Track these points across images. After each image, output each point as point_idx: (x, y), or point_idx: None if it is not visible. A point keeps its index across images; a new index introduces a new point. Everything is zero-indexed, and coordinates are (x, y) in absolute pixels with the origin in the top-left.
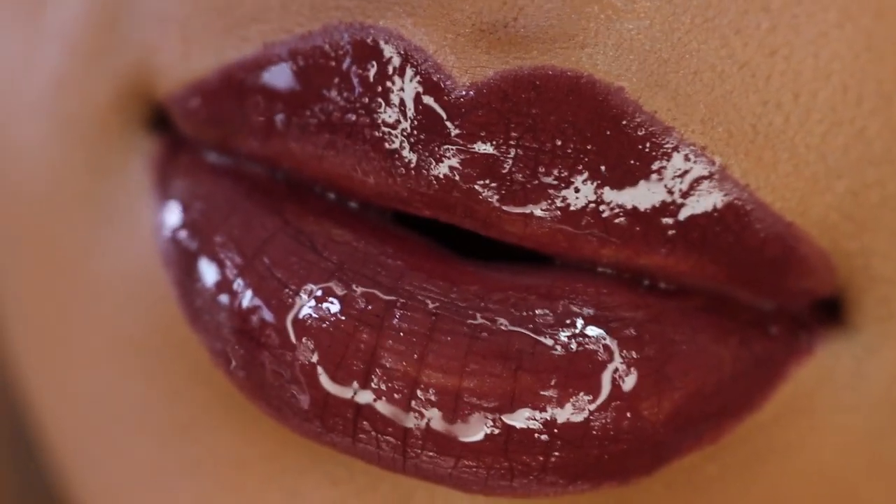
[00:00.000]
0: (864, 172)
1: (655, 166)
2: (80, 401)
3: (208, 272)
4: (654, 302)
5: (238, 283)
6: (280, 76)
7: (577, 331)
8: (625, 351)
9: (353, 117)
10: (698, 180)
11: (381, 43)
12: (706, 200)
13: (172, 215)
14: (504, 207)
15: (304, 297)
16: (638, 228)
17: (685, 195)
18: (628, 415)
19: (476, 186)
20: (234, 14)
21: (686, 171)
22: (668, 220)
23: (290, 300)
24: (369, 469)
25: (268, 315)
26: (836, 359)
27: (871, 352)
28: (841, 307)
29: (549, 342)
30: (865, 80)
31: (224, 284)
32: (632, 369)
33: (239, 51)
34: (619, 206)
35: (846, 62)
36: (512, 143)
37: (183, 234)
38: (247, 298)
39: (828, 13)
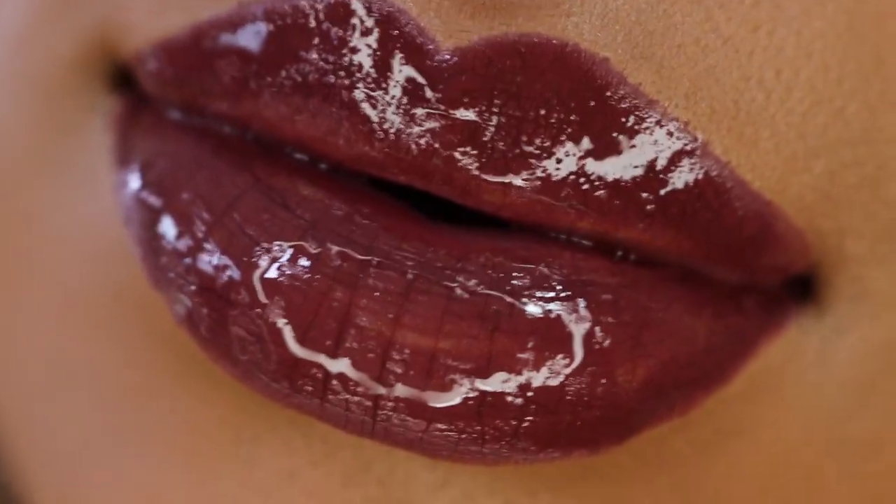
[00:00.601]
0: (841, 153)
1: (638, 140)
2: (29, 364)
3: (173, 230)
4: (630, 270)
5: (206, 241)
6: (254, 36)
7: (553, 294)
8: (601, 316)
9: (331, 79)
10: (680, 155)
11: (361, 3)
12: (686, 176)
13: (134, 172)
14: (483, 176)
15: (276, 254)
16: (617, 202)
17: (666, 170)
18: (603, 380)
19: (456, 153)
20: None
21: (668, 146)
22: (648, 195)
23: (261, 257)
24: (328, 436)
25: (236, 273)
26: (805, 336)
27: (840, 331)
28: (813, 285)
29: (527, 305)
30: (846, 59)
31: (191, 241)
32: (608, 334)
33: (212, 10)
34: (600, 179)
35: (828, 41)
36: (495, 110)
37: (146, 191)
38: (215, 256)
39: None
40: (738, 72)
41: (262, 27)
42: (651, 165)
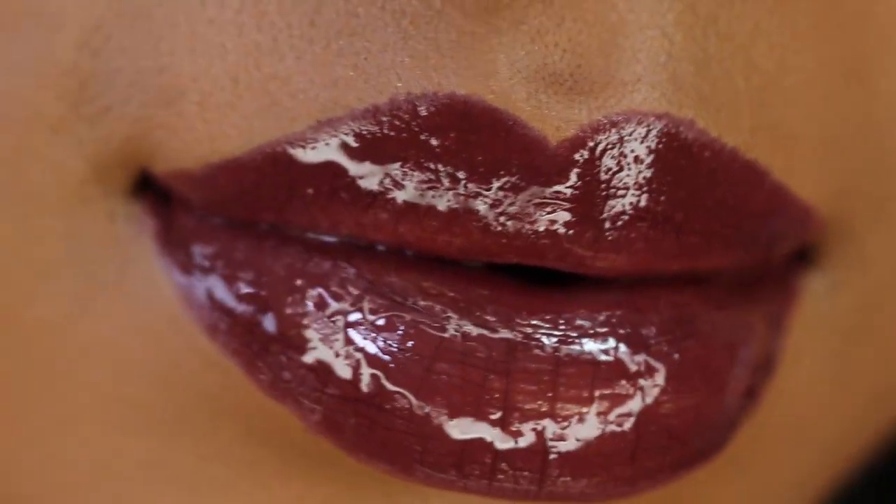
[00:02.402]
0: (850, 141)
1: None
2: (78, 463)
3: (290, 341)
4: (711, 294)
5: (341, 353)
6: (346, 152)
7: (670, 337)
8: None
9: (439, 186)
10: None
11: (463, 109)
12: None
13: (218, 283)
14: (599, 254)
15: (420, 353)
16: (709, 242)
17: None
18: (721, 404)
19: (572, 234)
20: (272, 92)
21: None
22: (729, 232)
23: (408, 361)
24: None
25: (385, 381)
26: (811, 296)
27: (836, 286)
28: (816, 252)
29: (666, 352)
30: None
31: (318, 354)
32: (740, 369)
33: (285, 130)
34: (701, 233)
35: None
36: (607, 192)
37: (243, 301)
38: (352, 364)
39: None
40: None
41: (351, 141)
42: (744, 216)
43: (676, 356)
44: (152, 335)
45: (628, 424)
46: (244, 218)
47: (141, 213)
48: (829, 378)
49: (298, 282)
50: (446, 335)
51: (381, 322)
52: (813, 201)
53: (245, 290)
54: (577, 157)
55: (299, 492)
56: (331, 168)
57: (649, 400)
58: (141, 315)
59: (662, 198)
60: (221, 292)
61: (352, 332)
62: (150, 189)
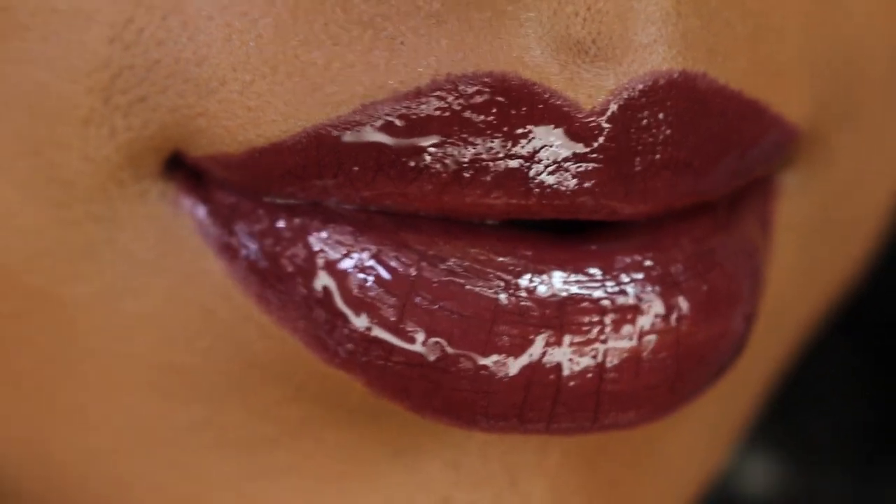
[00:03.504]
0: (826, 62)
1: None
2: (119, 428)
3: (357, 316)
4: (720, 220)
5: (402, 322)
6: (390, 132)
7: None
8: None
9: (483, 155)
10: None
11: (502, 86)
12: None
13: (268, 260)
14: (630, 204)
15: (480, 317)
16: (719, 184)
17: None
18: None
19: (608, 189)
20: (313, 78)
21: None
22: (737, 165)
23: (469, 326)
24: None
25: (450, 347)
26: (786, 194)
27: (808, 178)
28: (793, 155)
29: (694, 287)
30: None
31: (388, 325)
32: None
33: (330, 114)
34: (714, 172)
35: None
36: (636, 147)
37: (299, 281)
38: (415, 336)
39: None
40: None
41: (395, 124)
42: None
43: (704, 287)
44: (199, 308)
45: (669, 357)
46: (285, 195)
47: (174, 192)
48: (800, 271)
49: (353, 256)
50: (501, 298)
51: (437, 290)
52: (799, 120)
53: (299, 266)
54: (607, 121)
55: (350, 439)
56: (376, 147)
57: (684, 330)
58: (185, 289)
59: (682, 147)
60: (273, 268)
61: (411, 302)
62: (179, 169)
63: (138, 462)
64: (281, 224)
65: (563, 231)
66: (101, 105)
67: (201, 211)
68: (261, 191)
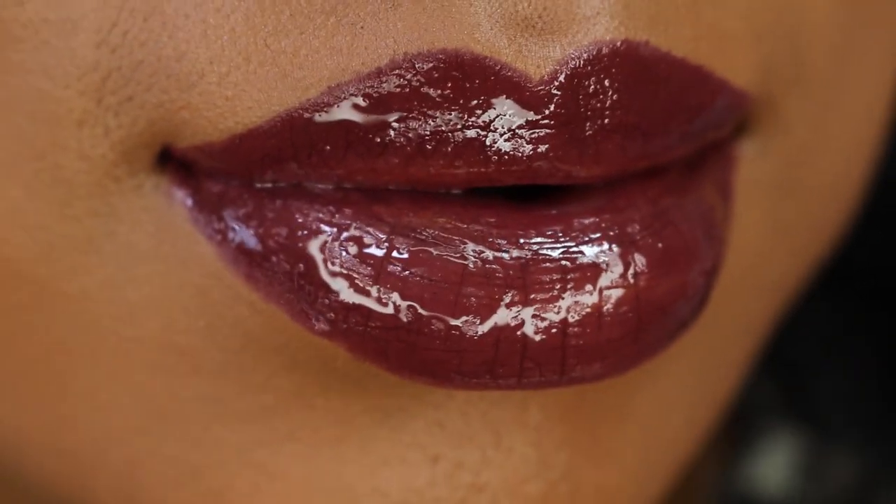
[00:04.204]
0: (773, 29)
1: (695, 107)
2: (126, 408)
3: (333, 288)
4: (667, 184)
5: (380, 289)
6: (356, 110)
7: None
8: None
9: (443, 127)
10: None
11: (456, 60)
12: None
13: (254, 240)
14: (583, 168)
15: (448, 281)
16: (666, 142)
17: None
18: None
19: (561, 154)
20: (282, 65)
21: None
22: (686, 128)
23: (439, 289)
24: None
25: (423, 310)
26: (745, 162)
27: (765, 146)
28: (747, 123)
29: (651, 244)
30: None
31: (365, 293)
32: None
33: (300, 97)
34: (663, 134)
35: None
36: (585, 112)
37: (281, 257)
38: (390, 301)
39: None
40: None
41: (361, 101)
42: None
43: (660, 245)
44: (195, 290)
45: (629, 311)
46: (267, 179)
47: (167, 184)
48: (767, 232)
49: (329, 231)
50: (468, 262)
51: (408, 258)
52: (747, 85)
53: (282, 244)
54: (556, 88)
55: (340, 405)
56: (344, 126)
57: (643, 285)
58: (182, 274)
59: (630, 111)
60: (259, 248)
61: (385, 271)
62: (169, 161)
63: (150, 438)
64: (264, 206)
65: (527, 198)
66: (94, 106)
67: (191, 200)
68: (244, 176)
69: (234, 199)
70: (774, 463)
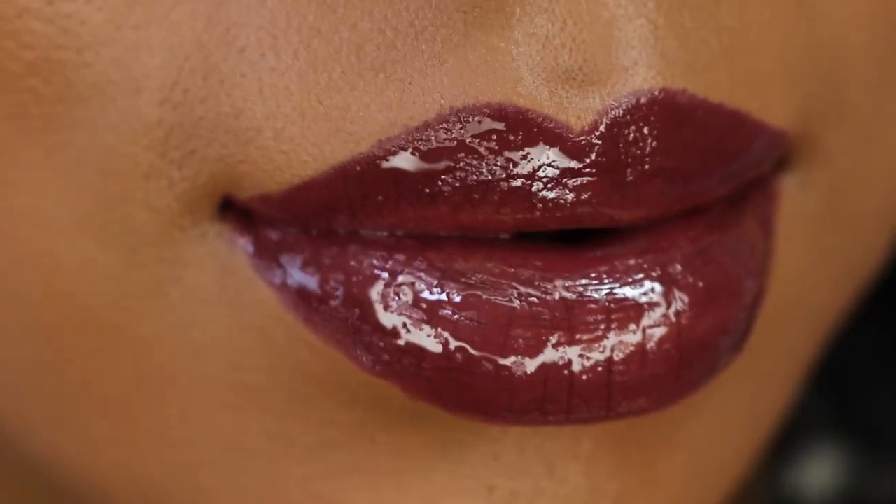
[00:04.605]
0: (808, 67)
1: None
2: (197, 442)
3: (388, 331)
4: (707, 226)
5: (430, 333)
6: (406, 162)
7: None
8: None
9: (490, 177)
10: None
11: (500, 114)
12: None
13: (312, 284)
14: (626, 211)
15: (497, 324)
16: (709, 188)
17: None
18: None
19: (603, 199)
20: (335, 120)
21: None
22: (725, 170)
23: (488, 331)
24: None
25: (474, 351)
26: (787, 196)
27: (806, 181)
28: (788, 157)
29: (691, 283)
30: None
31: (418, 337)
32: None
33: (352, 151)
34: (703, 177)
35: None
36: (626, 159)
37: (338, 301)
38: (442, 344)
39: None
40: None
41: (409, 155)
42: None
43: (700, 283)
44: (258, 332)
45: (672, 348)
46: (323, 227)
47: (229, 232)
48: (811, 263)
49: (383, 277)
50: (515, 305)
51: (459, 302)
52: (785, 125)
53: (338, 289)
54: (596, 138)
55: (400, 439)
56: (394, 177)
57: (685, 323)
58: (245, 317)
59: (670, 156)
60: (317, 292)
61: (436, 315)
62: (231, 209)
63: (219, 472)
64: (321, 253)
65: (574, 241)
66: (159, 160)
67: (252, 246)
68: (302, 225)
69: (292, 245)
70: (821, 476)
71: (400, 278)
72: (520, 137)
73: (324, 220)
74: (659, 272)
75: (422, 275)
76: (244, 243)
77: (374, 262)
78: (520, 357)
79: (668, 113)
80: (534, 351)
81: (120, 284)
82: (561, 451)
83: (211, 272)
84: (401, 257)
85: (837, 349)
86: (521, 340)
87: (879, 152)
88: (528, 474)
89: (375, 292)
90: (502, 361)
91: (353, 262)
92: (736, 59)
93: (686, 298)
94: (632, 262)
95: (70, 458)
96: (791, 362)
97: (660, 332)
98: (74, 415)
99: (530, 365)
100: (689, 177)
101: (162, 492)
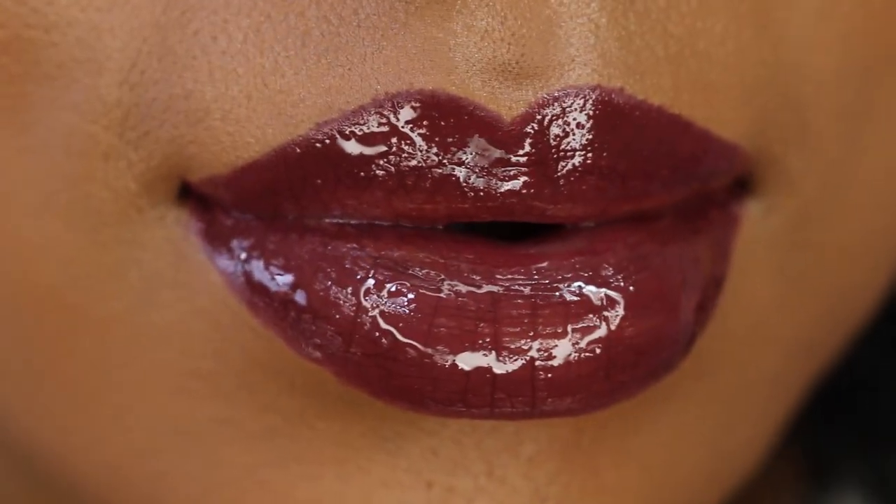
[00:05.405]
0: (766, 83)
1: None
2: (146, 428)
3: (320, 314)
4: (652, 231)
5: (359, 317)
6: (342, 146)
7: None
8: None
9: (422, 163)
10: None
11: (432, 101)
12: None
13: (256, 269)
14: (558, 205)
15: (424, 312)
16: (648, 186)
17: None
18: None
19: (533, 192)
20: (278, 103)
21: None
22: (666, 174)
23: (414, 319)
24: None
25: (400, 337)
26: (750, 221)
27: (771, 207)
28: (749, 181)
29: (623, 286)
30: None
31: (346, 319)
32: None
33: (291, 134)
34: (641, 178)
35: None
36: (554, 155)
37: (277, 285)
38: (371, 329)
39: None
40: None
41: (349, 140)
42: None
43: (632, 288)
44: (207, 316)
45: (599, 349)
46: (270, 212)
47: (186, 217)
48: (778, 289)
49: (320, 263)
50: (442, 295)
51: (389, 289)
52: (737, 139)
53: (278, 273)
54: (528, 129)
55: (340, 427)
56: (332, 160)
57: (613, 327)
58: (196, 301)
59: (604, 153)
60: (260, 276)
61: (367, 301)
62: (190, 196)
63: (170, 458)
64: (266, 238)
65: (514, 238)
66: (117, 140)
67: (205, 231)
68: (252, 210)
69: (243, 230)
70: None
71: (334, 264)
72: (451, 124)
73: (270, 206)
74: (590, 273)
75: (356, 261)
76: (198, 228)
77: (313, 247)
78: (443, 347)
79: (602, 110)
80: (457, 342)
81: (80, 264)
82: (501, 450)
83: (167, 255)
84: (337, 244)
85: (866, 379)
86: (444, 330)
87: (855, 184)
88: (467, 472)
89: (310, 277)
90: (425, 349)
91: (294, 248)
92: (681, 67)
93: (617, 302)
94: (566, 261)
95: (43, 445)
96: (763, 387)
97: (588, 332)
98: (42, 399)
99: (453, 356)
100: (628, 177)
101: (120, 478)
